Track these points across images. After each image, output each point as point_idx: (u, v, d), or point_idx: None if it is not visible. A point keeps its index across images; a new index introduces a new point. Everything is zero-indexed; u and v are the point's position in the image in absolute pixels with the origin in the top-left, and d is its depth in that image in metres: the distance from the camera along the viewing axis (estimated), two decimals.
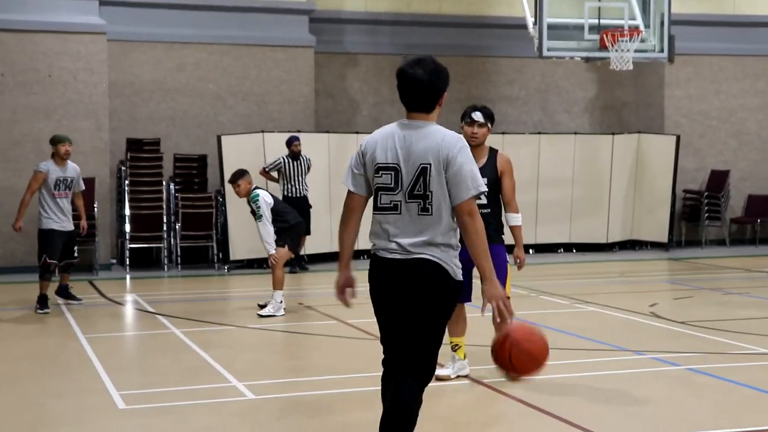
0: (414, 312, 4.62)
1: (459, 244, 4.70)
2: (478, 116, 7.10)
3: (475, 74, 17.40)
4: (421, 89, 4.62)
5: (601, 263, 15.28)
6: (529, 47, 14.83)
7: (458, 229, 4.68)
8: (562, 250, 16.60)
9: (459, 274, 4.69)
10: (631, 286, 12.81)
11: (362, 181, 4.74)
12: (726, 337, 8.87)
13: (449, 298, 4.69)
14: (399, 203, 4.62)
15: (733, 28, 17.76)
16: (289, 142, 14.14)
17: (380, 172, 4.64)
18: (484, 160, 7.12)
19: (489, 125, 7.16)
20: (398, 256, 4.62)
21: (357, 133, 15.65)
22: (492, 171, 7.13)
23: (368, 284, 4.79)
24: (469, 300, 6.99)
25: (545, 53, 14.09)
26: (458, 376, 7.17)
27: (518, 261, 7.24)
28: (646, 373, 7.50)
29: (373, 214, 4.73)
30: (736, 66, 17.85)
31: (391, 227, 4.63)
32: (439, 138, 4.58)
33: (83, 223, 11.11)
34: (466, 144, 4.66)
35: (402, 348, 4.66)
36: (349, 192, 4.78)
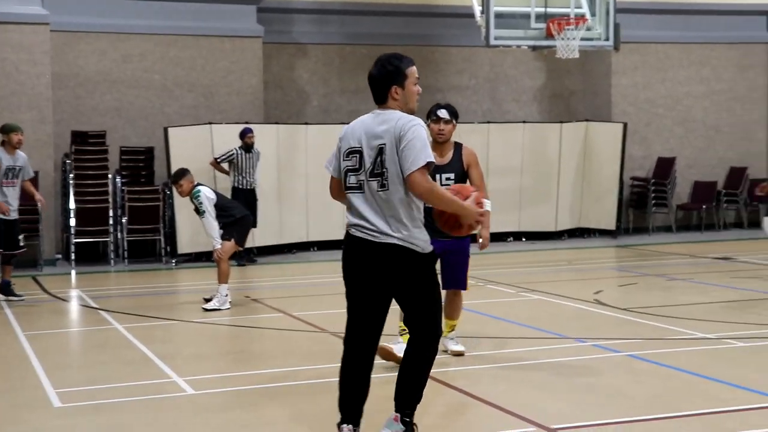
0: (393, 290, 5.18)
1: (422, 219, 5.14)
2: (443, 113, 7.37)
3: (425, 64, 17.37)
4: (372, 84, 5.21)
5: (549, 251, 15.38)
6: (477, 36, 14.86)
7: (420, 205, 5.12)
8: (511, 238, 16.68)
9: (427, 247, 5.15)
10: (577, 274, 12.90)
11: (337, 165, 5.27)
12: (667, 323, 8.97)
13: (422, 270, 5.17)
14: (362, 182, 5.12)
15: (678, 16, 17.93)
16: (243, 134, 14.06)
17: (348, 155, 5.16)
18: (450, 155, 7.39)
19: (454, 122, 7.46)
20: (366, 237, 5.10)
21: (306, 124, 15.58)
22: (458, 165, 7.39)
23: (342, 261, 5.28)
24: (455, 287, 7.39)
25: (492, 42, 14.12)
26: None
27: (481, 240, 7.39)
28: (587, 361, 7.55)
29: (345, 194, 5.22)
30: (682, 54, 18.04)
31: (359, 205, 5.12)
32: (395, 120, 5.07)
33: (38, 196, 11.13)
34: (420, 124, 5.07)
35: (409, 312, 5.22)
36: (331, 177, 5.33)
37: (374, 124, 5.12)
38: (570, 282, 12.13)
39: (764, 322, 8.96)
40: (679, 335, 8.43)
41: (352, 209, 5.16)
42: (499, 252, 15.27)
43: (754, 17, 18.41)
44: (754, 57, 18.40)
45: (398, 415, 5.22)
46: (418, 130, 5.02)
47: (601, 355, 7.74)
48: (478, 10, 14.56)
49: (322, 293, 11.50)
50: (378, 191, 5.07)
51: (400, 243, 5.06)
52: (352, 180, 5.15)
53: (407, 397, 5.22)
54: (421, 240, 5.13)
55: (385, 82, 5.15)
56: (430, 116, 7.35)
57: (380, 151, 5.05)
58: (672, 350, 7.81)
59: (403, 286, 5.16)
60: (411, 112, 5.18)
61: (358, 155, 5.13)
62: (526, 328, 8.95)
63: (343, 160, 5.19)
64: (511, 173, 16.52)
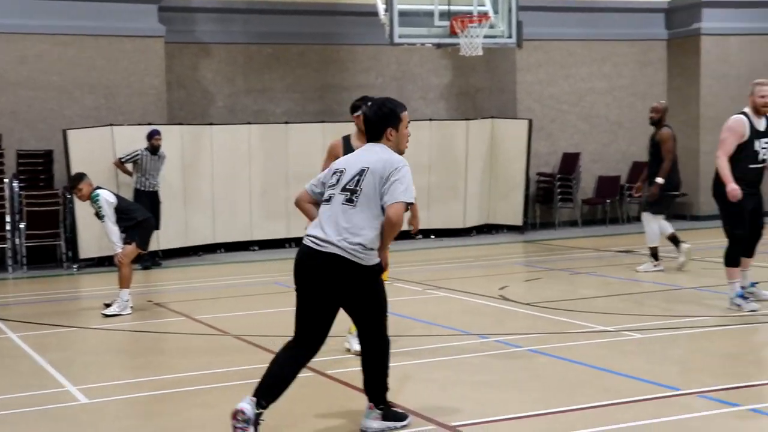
0: (338, 300, 5.44)
1: (376, 242, 5.38)
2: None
3: (331, 62, 17.33)
4: (368, 125, 5.56)
5: (457, 248, 15.44)
6: (382, 35, 14.82)
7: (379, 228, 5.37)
8: (420, 236, 16.69)
9: (372, 260, 5.41)
10: (484, 270, 12.98)
11: (319, 184, 5.67)
12: (569, 317, 9.06)
13: (365, 281, 5.42)
14: (332, 195, 5.46)
15: (579, 14, 18.21)
16: (150, 136, 13.83)
17: (332, 175, 5.57)
18: None
19: None
20: (312, 245, 5.38)
21: (211, 124, 15.36)
22: None
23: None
24: None
25: (397, 40, 14.11)
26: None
27: (412, 227, 7.69)
28: (488, 357, 7.57)
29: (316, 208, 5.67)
30: (584, 50, 18.32)
31: (322, 215, 5.47)
32: (386, 155, 5.42)
33: None
34: (407, 166, 5.41)
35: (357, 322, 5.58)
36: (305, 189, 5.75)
37: (364, 153, 5.51)
38: (476, 278, 12.18)
39: (661, 314, 9.12)
40: (580, 329, 8.52)
41: (316, 221, 5.51)
42: (407, 250, 15.27)
43: (653, 15, 18.79)
44: (653, 53, 18.78)
45: (372, 404, 5.68)
46: (408, 172, 5.39)
47: (502, 351, 7.78)
48: (381, 8, 14.54)
49: (226, 296, 11.35)
50: (343, 204, 5.39)
51: (341, 253, 5.31)
52: (326, 194, 5.53)
53: (374, 390, 5.66)
54: (366, 254, 5.37)
55: (381, 123, 5.50)
56: (354, 111, 7.38)
57: (361, 172, 5.39)
58: (572, 344, 7.88)
59: (346, 295, 5.43)
60: (401, 153, 5.54)
61: (339, 174, 5.51)
62: (430, 326, 8.94)
63: (328, 179, 5.58)
64: (419, 171, 16.47)
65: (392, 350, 7.55)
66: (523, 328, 8.69)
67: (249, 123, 15.76)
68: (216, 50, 16.78)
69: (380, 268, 5.52)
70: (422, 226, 16.30)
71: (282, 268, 13.31)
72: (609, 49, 18.46)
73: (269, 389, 5.40)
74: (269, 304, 10.55)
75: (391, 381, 6.88)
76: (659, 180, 11.68)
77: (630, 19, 18.57)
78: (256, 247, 15.63)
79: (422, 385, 6.79)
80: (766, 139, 8.95)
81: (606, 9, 18.36)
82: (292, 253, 14.60)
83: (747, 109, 8.93)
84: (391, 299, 10.34)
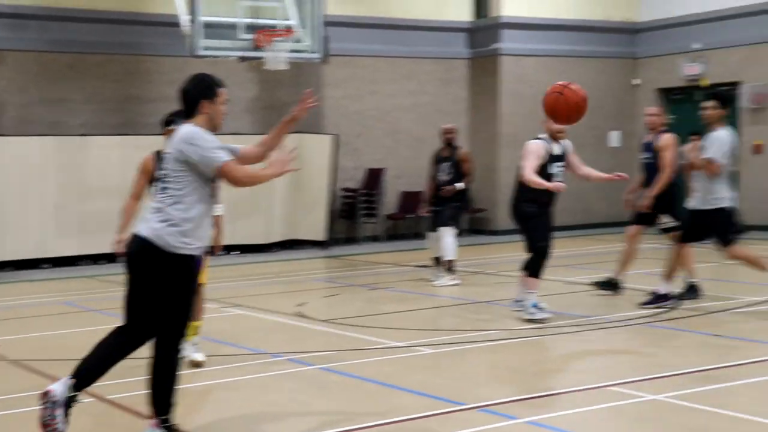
0: (142, 286, 5.39)
1: (189, 220, 5.36)
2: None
3: (134, 73, 16.78)
4: (184, 97, 5.59)
5: (259, 264, 15.23)
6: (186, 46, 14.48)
7: (198, 207, 5.38)
8: (222, 252, 16.35)
9: (179, 248, 5.33)
10: (284, 287, 12.84)
11: None
12: (364, 333, 9.05)
13: (166, 272, 5.33)
14: (157, 186, 5.59)
15: (386, 31, 18.43)
16: None
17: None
18: None
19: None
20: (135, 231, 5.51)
21: (3, 135, 14.58)
22: None
23: None
24: None
25: (200, 52, 13.81)
26: None
27: (215, 248, 7.77)
28: (277, 376, 7.44)
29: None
30: (390, 67, 18.55)
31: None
32: (182, 131, 5.45)
33: None
34: (198, 130, 5.42)
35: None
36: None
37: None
38: (275, 295, 12.03)
39: (454, 328, 9.25)
40: (374, 345, 8.52)
41: None
42: (208, 266, 14.95)
43: (455, 34, 19.25)
44: (456, 72, 19.24)
45: (157, 420, 5.43)
46: (200, 136, 5.40)
47: (293, 370, 7.66)
48: (185, 19, 14.20)
49: (11, 317, 10.74)
50: (158, 194, 5.50)
51: (145, 235, 5.35)
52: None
53: (162, 401, 5.43)
54: (174, 239, 5.32)
55: (197, 95, 5.56)
56: (168, 125, 7.39)
57: (168, 158, 5.47)
58: (364, 360, 7.86)
59: (146, 281, 5.37)
60: (215, 128, 5.61)
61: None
62: (221, 345, 8.72)
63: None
64: (222, 185, 16.22)
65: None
66: (317, 346, 8.62)
67: (44, 135, 15.06)
68: (8, 57, 15.93)
69: (191, 260, 5.47)
70: (225, 241, 16.22)
71: (74, 287, 12.75)
72: (414, 66, 18.78)
73: (89, 372, 5.33)
74: (56, 325, 10.04)
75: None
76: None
77: (434, 38, 18.97)
78: (48, 265, 14.91)
79: (207, 407, 6.58)
80: (559, 163, 9.46)
81: (411, 27, 18.68)
82: (86, 270, 14.02)
83: (544, 135, 9.40)
84: None
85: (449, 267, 12.09)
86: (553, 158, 9.38)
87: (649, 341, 8.55)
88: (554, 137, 9.41)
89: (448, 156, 12.40)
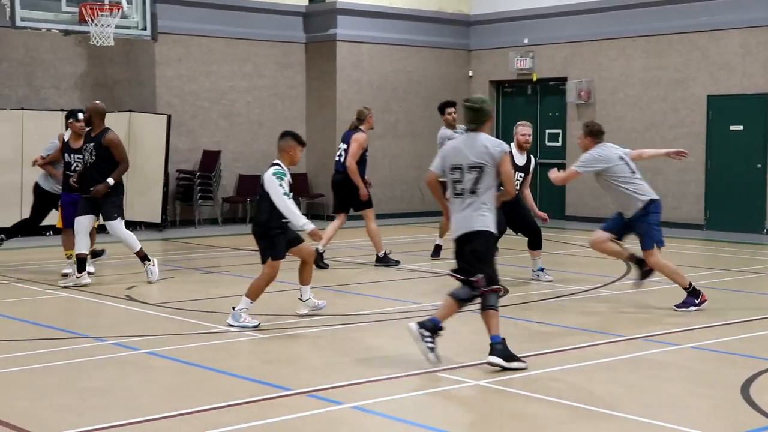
0: None
1: None
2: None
3: None
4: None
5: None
6: (5, 17, 13.78)
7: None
8: (51, 233, 15.78)
9: None
10: (115, 269, 12.44)
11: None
12: (193, 317, 8.91)
13: None
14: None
15: (221, 11, 18.12)
16: None
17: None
18: None
19: None
20: None
21: None
22: None
23: None
24: None
25: (18, 24, 13.17)
26: None
27: None
28: (102, 360, 7.23)
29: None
30: (226, 48, 18.26)
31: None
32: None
33: None
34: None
35: None
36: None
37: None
38: (106, 277, 11.66)
39: (284, 313, 9.20)
40: (203, 329, 8.39)
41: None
42: (35, 246, 14.41)
43: (292, 18, 19.13)
44: (293, 56, 19.14)
45: None
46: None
47: (118, 354, 7.47)
48: None
49: None
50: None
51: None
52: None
53: None
54: None
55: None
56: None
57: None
58: (191, 345, 7.74)
59: None
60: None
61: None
62: (43, 328, 8.41)
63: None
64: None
65: None
66: (144, 330, 8.42)
67: None
68: None
69: None
70: (53, 221, 15.63)
71: None
72: (250, 48, 18.56)
73: None
74: None
75: None
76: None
77: (270, 21, 18.79)
78: None
79: (17, 393, 6.32)
80: (520, 173, 10.84)
81: (247, 9, 18.44)
82: None
83: (513, 145, 10.70)
84: (6, 300, 9.73)
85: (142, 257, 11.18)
86: (516, 167, 10.44)
87: (475, 328, 8.76)
88: (521, 147, 11.05)
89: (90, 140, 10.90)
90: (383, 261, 12.48)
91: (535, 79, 19.54)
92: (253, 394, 6.23)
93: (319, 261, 11.80)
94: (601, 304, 9.85)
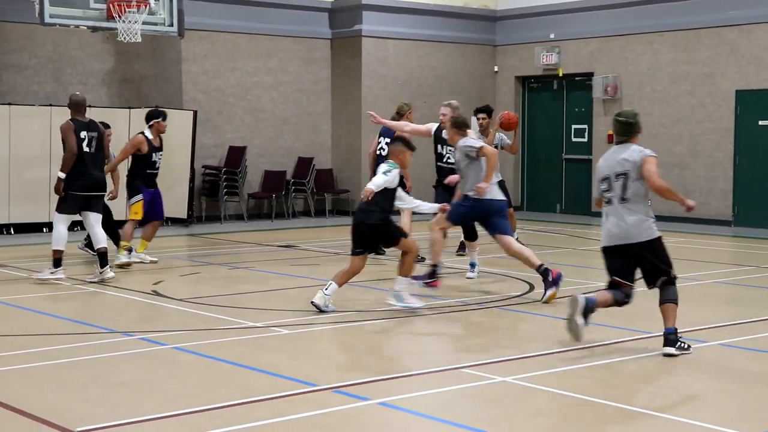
0: None
1: None
2: None
3: None
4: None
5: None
6: (34, 13, 13.88)
7: None
8: (78, 228, 15.89)
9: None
10: (142, 264, 12.52)
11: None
12: (220, 313, 8.95)
13: None
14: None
15: (244, 7, 18.14)
16: None
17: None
18: None
19: None
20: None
21: None
22: None
23: None
24: None
25: (47, 20, 13.24)
26: None
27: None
28: (130, 355, 7.27)
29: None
30: (250, 44, 18.30)
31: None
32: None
33: None
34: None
35: None
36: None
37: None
38: (132, 272, 11.73)
39: (311, 309, 9.20)
40: (229, 325, 8.43)
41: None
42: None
43: (317, 13, 19.13)
44: (318, 52, 19.14)
45: None
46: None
47: (146, 349, 7.51)
48: None
49: None
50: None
51: None
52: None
53: None
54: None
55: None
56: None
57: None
58: (219, 340, 7.77)
59: None
60: None
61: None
62: (72, 323, 8.48)
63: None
64: None
65: (17, 351, 7.09)
66: (172, 325, 8.47)
67: None
68: None
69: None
70: (78, 217, 15.72)
71: None
72: (275, 44, 18.59)
73: None
74: None
75: (15, 382, 6.46)
76: None
77: (296, 17, 18.80)
78: None
79: (48, 387, 6.38)
80: (451, 147, 10.81)
81: (272, 5, 18.45)
82: None
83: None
84: (35, 295, 9.82)
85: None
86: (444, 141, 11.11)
87: (502, 324, 8.75)
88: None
89: None
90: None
91: (561, 74, 19.45)
92: (279, 390, 6.25)
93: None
94: None
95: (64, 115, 15.54)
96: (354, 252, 8.93)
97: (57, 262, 10.71)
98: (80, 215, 10.98)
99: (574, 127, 19.63)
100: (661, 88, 17.94)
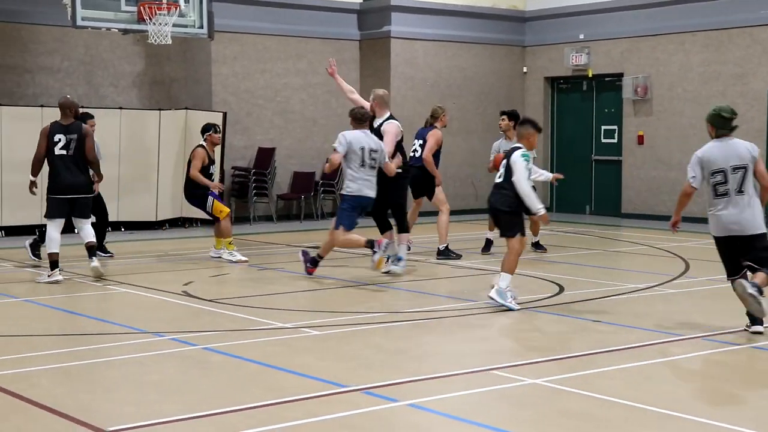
0: None
1: None
2: None
3: (9, 42, 16.18)
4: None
5: (148, 242, 14.96)
6: (67, 16, 14.01)
7: None
8: (109, 228, 16.04)
9: None
10: (172, 265, 12.62)
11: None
12: (249, 313, 8.99)
13: None
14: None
15: (273, 9, 18.20)
16: None
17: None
18: None
19: None
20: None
21: None
22: None
23: None
24: None
25: (79, 23, 13.36)
26: None
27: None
28: (159, 356, 7.32)
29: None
30: (279, 46, 18.37)
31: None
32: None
33: None
34: None
35: None
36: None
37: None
38: (163, 273, 11.83)
39: (341, 310, 9.25)
40: (259, 326, 8.46)
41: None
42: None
43: (345, 15, 19.18)
44: (346, 53, 19.17)
45: None
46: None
47: (176, 349, 7.56)
48: None
49: None
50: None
51: None
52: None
53: None
54: None
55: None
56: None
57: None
58: (248, 341, 7.80)
59: None
60: None
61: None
62: (102, 323, 8.55)
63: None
64: (109, 161, 15.81)
65: (52, 350, 7.15)
66: (201, 326, 8.52)
67: None
68: None
69: None
70: (112, 217, 15.90)
71: None
72: (303, 45, 18.64)
73: None
74: None
75: (48, 382, 6.52)
76: None
77: (325, 18, 18.85)
78: None
79: (80, 387, 6.43)
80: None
81: (301, 6, 18.52)
82: None
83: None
84: (68, 295, 9.91)
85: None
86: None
87: (532, 326, 8.72)
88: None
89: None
90: (444, 254, 12.69)
91: (590, 75, 19.37)
92: (309, 391, 6.27)
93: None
94: (658, 302, 9.73)
95: (96, 117, 15.66)
96: (503, 235, 9.32)
97: (53, 264, 10.79)
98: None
99: (603, 128, 19.54)
100: (692, 89, 17.81)
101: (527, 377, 6.64)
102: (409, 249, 12.11)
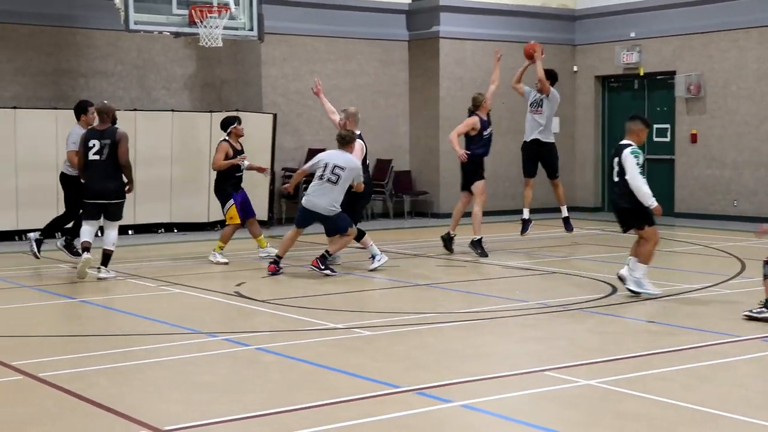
0: None
1: None
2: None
3: (65, 46, 16.42)
4: None
5: (200, 243, 15.08)
6: (120, 20, 14.20)
7: None
8: (162, 230, 16.24)
9: None
10: (224, 266, 12.71)
11: None
12: (301, 314, 9.02)
13: None
14: None
15: (322, 10, 18.25)
16: None
17: None
18: None
19: None
20: None
21: None
22: None
23: None
24: None
25: (132, 27, 13.54)
26: None
27: None
28: (213, 356, 7.38)
29: None
30: (328, 47, 18.42)
31: None
32: None
33: None
34: None
35: None
36: None
37: None
38: (215, 274, 11.93)
39: (392, 311, 9.25)
40: (311, 326, 8.49)
41: None
42: (148, 244, 14.82)
43: (394, 15, 19.16)
44: (395, 53, 19.17)
45: None
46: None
47: (229, 350, 7.61)
48: None
49: None
50: None
51: None
52: None
53: None
54: None
55: None
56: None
57: None
58: (301, 342, 7.83)
59: None
60: None
61: None
62: (157, 323, 8.64)
63: None
64: (161, 163, 16.07)
65: (110, 350, 7.24)
66: (253, 326, 8.58)
67: (17, 107, 14.84)
68: None
69: None
70: (165, 219, 16.11)
71: (11, 263, 12.48)
72: (352, 47, 18.67)
73: None
74: None
75: (106, 381, 6.60)
76: None
77: (373, 19, 18.87)
78: None
79: (137, 386, 6.50)
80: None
81: (350, 7, 18.55)
82: (23, 246, 13.70)
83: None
84: (121, 296, 10.03)
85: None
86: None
87: (586, 327, 8.65)
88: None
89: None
90: (475, 246, 12.93)
91: (642, 73, 19.16)
92: (362, 391, 6.28)
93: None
94: (714, 303, 9.59)
95: (149, 120, 15.99)
96: (629, 230, 9.75)
97: (85, 250, 11.08)
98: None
99: (655, 126, 19.30)
100: (746, 86, 17.54)
101: (581, 378, 6.59)
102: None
